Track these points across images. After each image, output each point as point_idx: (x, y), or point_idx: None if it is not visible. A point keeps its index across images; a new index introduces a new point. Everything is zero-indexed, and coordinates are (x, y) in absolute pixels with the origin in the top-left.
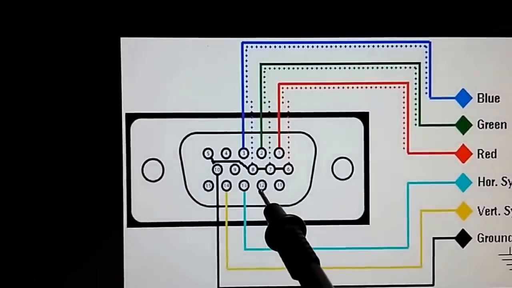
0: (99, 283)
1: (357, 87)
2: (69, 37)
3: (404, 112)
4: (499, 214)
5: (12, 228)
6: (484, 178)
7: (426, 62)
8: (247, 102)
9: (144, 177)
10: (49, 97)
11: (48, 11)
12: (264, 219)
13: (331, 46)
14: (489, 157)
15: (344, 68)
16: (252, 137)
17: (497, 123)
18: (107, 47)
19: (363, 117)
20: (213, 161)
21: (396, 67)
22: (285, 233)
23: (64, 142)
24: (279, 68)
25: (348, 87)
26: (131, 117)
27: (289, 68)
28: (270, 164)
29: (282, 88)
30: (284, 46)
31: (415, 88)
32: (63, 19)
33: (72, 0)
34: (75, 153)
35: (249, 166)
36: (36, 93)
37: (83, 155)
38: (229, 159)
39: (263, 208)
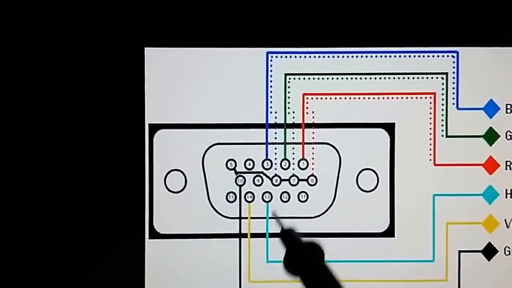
0: None
1: (383, 98)
2: (94, 47)
3: (430, 123)
4: None
5: (32, 240)
6: (511, 190)
7: (453, 73)
8: (271, 112)
9: (167, 188)
10: (73, 107)
11: (73, 21)
12: None
13: (356, 56)
14: None
15: (370, 78)
16: (276, 148)
17: None
18: (131, 57)
19: (389, 128)
20: (236, 172)
21: (423, 78)
22: (308, 261)
23: (87, 152)
24: (304, 79)
25: (373, 98)
26: (154, 128)
27: (314, 79)
28: (293, 175)
29: (307, 98)
30: (309, 56)
31: (442, 99)
32: (88, 30)
33: (97, 11)
34: (98, 164)
35: (273, 177)
36: (60, 103)
37: (106, 166)
38: (252, 170)
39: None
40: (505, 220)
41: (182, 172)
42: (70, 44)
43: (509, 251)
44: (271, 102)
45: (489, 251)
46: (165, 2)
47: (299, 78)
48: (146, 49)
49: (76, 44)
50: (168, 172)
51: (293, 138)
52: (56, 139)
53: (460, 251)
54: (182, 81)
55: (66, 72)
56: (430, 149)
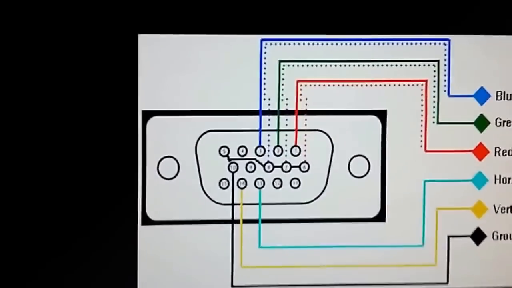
0: (112, 281)
1: (375, 85)
2: (87, 34)
3: (422, 110)
4: None
5: (25, 226)
6: (500, 176)
7: (445, 60)
8: (264, 99)
9: (160, 174)
10: (66, 94)
11: (66, 8)
12: (279, 216)
13: (349, 44)
14: (506, 155)
15: (363, 65)
16: (269, 135)
17: None
18: (124, 44)
19: (381, 115)
20: (229, 159)
21: (415, 65)
22: None
23: (79, 139)
24: (297, 66)
25: (366, 85)
26: (148, 115)
27: (307, 66)
28: (286, 162)
29: (301, 85)
30: (303, 44)
31: (434, 86)
32: (81, 16)
33: None
34: (91, 150)
35: (265, 164)
36: (53, 91)
37: (99, 152)
38: (245, 157)
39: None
40: (493, 205)
41: (175, 159)
42: (63, 31)
43: (497, 236)
44: (264, 89)
45: (478, 236)
46: None
47: (293, 65)
48: (139, 35)
49: (69, 30)
50: (161, 159)
51: (286, 125)
52: (48, 126)
53: (449, 236)
54: (175, 68)
55: (58, 59)
56: (421, 136)
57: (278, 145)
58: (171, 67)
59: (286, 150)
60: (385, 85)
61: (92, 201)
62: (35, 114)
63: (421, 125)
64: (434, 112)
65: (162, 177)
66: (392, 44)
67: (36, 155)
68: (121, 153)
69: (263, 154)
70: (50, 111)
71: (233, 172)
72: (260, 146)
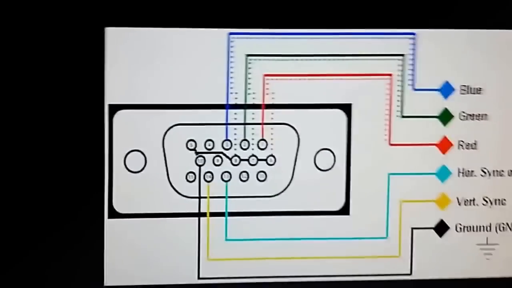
0: (79, 273)
1: (341, 79)
2: (54, 27)
3: (387, 104)
4: (477, 205)
5: None
6: (463, 169)
7: (410, 54)
8: (231, 93)
9: (127, 168)
10: (31, 88)
11: (33, 1)
12: (246, 209)
13: (316, 38)
14: (469, 148)
15: (329, 59)
16: (235, 129)
17: (478, 115)
18: (91, 37)
19: (346, 109)
20: (196, 153)
21: (380, 59)
22: None
23: (46, 132)
24: (264, 60)
25: (332, 79)
26: (114, 108)
27: (274, 60)
28: (253, 155)
29: (267, 79)
30: (271, 38)
31: (399, 80)
32: (47, 9)
33: None
34: (57, 144)
35: (232, 157)
36: (19, 84)
37: (65, 146)
38: (212, 150)
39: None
40: (457, 198)
41: (142, 153)
42: (29, 24)
43: (460, 228)
44: (232, 83)
45: (441, 228)
46: None
47: (260, 59)
48: (106, 28)
49: (35, 23)
50: (128, 153)
51: (253, 118)
52: (14, 120)
53: (413, 228)
54: (143, 62)
55: (24, 52)
56: (386, 129)
57: (245, 139)
58: (139, 60)
59: (252, 144)
60: (350, 79)
61: (59, 194)
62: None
63: (386, 119)
64: (398, 106)
65: (129, 170)
66: (358, 38)
67: (1, 148)
68: (88, 147)
69: (230, 148)
70: (15, 105)
71: (200, 166)
72: (227, 139)
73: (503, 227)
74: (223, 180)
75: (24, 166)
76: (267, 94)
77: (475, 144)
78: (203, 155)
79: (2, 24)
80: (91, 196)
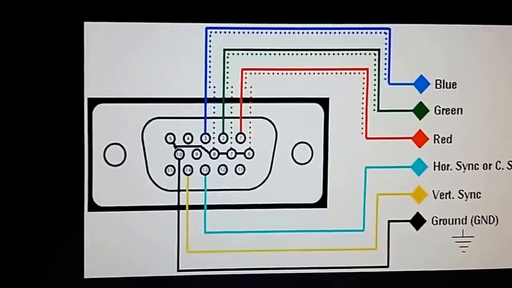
0: (59, 266)
1: (318, 73)
2: (32, 21)
3: (363, 98)
4: (453, 198)
5: None
6: (439, 162)
7: (385, 49)
8: (210, 87)
9: (106, 161)
10: (11, 82)
11: None
12: (224, 202)
13: (293, 33)
14: (444, 142)
15: (306, 54)
16: (214, 122)
17: (453, 109)
18: (70, 32)
19: (323, 102)
20: (175, 146)
21: (356, 54)
22: None
23: (25, 126)
24: (242, 54)
25: (309, 73)
26: (93, 102)
27: (252, 54)
28: (231, 149)
29: (245, 73)
30: (248, 32)
31: (375, 75)
32: (26, 4)
33: None
34: (36, 138)
35: (211, 151)
36: None
37: (45, 140)
38: (191, 144)
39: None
40: (433, 191)
41: (122, 146)
42: (7, 17)
43: (436, 221)
44: (210, 77)
45: (417, 221)
46: None
47: (238, 54)
48: (85, 23)
49: (14, 17)
50: (108, 146)
51: (231, 112)
52: None
53: (389, 221)
54: (121, 56)
55: (3, 46)
56: (362, 123)
57: (223, 132)
58: (117, 54)
59: (231, 137)
60: (327, 74)
61: (39, 187)
62: None
63: (362, 113)
64: (374, 100)
65: (109, 163)
66: (334, 33)
67: None
68: (67, 140)
69: (208, 141)
70: None
71: (179, 159)
72: (205, 133)
73: (479, 220)
74: (202, 173)
75: (3, 160)
76: (245, 88)
77: (450, 138)
78: (182, 148)
79: None
80: (71, 189)
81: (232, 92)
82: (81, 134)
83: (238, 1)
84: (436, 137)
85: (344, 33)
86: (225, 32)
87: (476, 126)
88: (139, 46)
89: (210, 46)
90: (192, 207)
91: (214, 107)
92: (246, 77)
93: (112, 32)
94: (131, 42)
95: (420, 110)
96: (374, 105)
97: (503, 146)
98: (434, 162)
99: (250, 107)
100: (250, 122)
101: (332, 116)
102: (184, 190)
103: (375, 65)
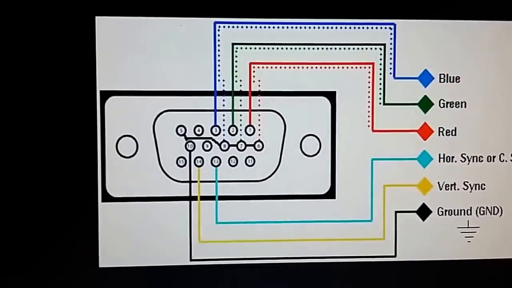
0: (74, 256)
1: (325, 67)
2: (46, 16)
3: (369, 92)
4: (457, 189)
5: None
6: (444, 155)
7: (391, 44)
8: (219, 81)
9: (119, 153)
10: (24, 76)
11: None
12: (235, 193)
13: (300, 28)
14: (449, 135)
15: (313, 48)
16: (224, 115)
17: (457, 103)
18: (82, 26)
19: (331, 96)
20: (186, 138)
21: (362, 48)
22: None
23: (39, 119)
24: (250, 48)
25: (316, 67)
26: (106, 95)
27: (260, 48)
28: (241, 141)
29: (253, 67)
30: (256, 27)
31: (380, 69)
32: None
33: None
34: (51, 130)
35: (221, 143)
36: (10, 72)
37: (58, 132)
38: (202, 136)
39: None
40: (438, 182)
41: (134, 138)
42: (20, 14)
43: (441, 212)
44: (219, 70)
45: (424, 212)
46: None
47: (246, 48)
48: (96, 17)
49: (27, 13)
50: (120, 138)
51: (241, 105)
52: (6, 108)
53: (396, 212)
54: (132, 50)
55: (17, 42)
56: (369, 116)
57: (233, 125)
58: (129, 48)
59: (240, 130)
60: (334, 68)
61: (54, 179)
62: None
63: (368, 106)
64: (380, 93)
65: (121, 155)
66: (341, 28)
67: None
68: (80, 133)
69: (218, 133)
70: (8, 93)
71: (190, 151)
72: (215, 125)
73: (483, 211)
74: (213, 165)
75: (18, 153)
76: (253, 81)
77: (454, 130)
78: (193, 140)
79: None
80: (85, 181)
81: (241, 85)
82: (94, 126)
83: None
84: (441, 130)
85: (350, 28)
86: (233, 27)
87: (480, 119)
88: (150, 40)
89: (219, 40)
90: (203, 198)
91: (223, 100)
92: (254, 71)
93: (123, 26)
94: (141, 36)
95: (425, 104)
96: (380, 98)
97: (506, 139)
98: (439, 154)
99: (259, 100)
100: (259, 115)
101: (339, 109)
102: (196, 181)
103: (380, 59)
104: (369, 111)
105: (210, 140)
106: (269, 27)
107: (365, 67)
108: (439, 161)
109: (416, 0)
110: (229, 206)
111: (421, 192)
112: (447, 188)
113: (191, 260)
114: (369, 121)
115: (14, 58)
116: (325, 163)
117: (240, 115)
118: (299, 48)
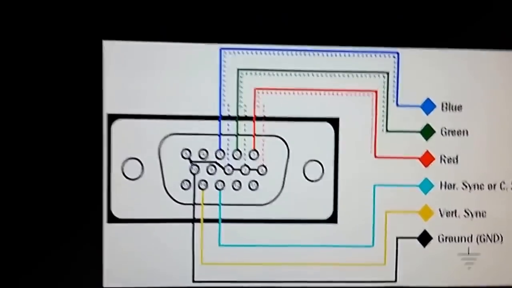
0: (79, 275)
1: (329, 94)
2: (53, 40)
3: (372, 119)
4: (458, 216)
5: None
6: (445, 182)
7: (394, 72)
8: (224, 105)
9: (124, 175)
10: (32, 98)
11: (31, 13)
12: (238, 217)
13: (305, 54)
14: (450, 162)
15: (317, 75)
16: (228, 139)
17: (459, 131)
18: (89, 50)
19: (334, 122)
20: (190, 161)
21: (366, 76)
22: None
23: (47, 141)
24: (255, 74)
25: (320, 94)
26: (112, 118)
27: (264, 74)
28: (245, 165)
29: (258, 92)
30: (261, 53)
31: (383, 96)
32: (47, 22)
33: (57, 3)
34: (58, 152)
35: (225, 166)
36: (19, 94)
37: (65, 154)
38: (206, 159)
39: (238, 208)
40: (439, 209)
41: (139, 160)
42: (29, 36)
43: (442, 238)
44: (224, 95)
45: (425, 238)
46: None
47: (251, 73)
48: (104, 41)
49: (35, 36)
50: (126, 160)
51: (245, 130)
52: (14, 129)
53: (397, 238)
54: (139, 74)
55: (25, 64)
56: (372, 143)
57: (237, 149)
58: (135, 73)
59: (244, 154)
60: (338, 94)
61: (60, 200)
62: (2, 116)
63: (371, 133)
64: (383, 120)
65: (127, 177)
66: (345, 55)
67: (4, 156)
68: (87, 155)
69: (223, 157)
70: (17, 113)
71: (194, 174)
72: (220, 149)
73: (484, 238)
74: (216, 188)
75: (26, 173)
76: (257, 106)
77: (456, 158)
78: (197, 164)
79: (5, 35)
80: (91, 202)
81: (245, 110)
82: (100, 148)
83: (252, 22)
84: (443, 157)
85: (354, 55)
86: (238, 53)
87: (481, 147)
88: (156, 64)
89: (224, 66)
90: (207, 220)
91: (228, 125)
92: (258, 96)
93: (130, 50)
94: (148, 60)
95: (427, 131)
96: (383, 125)
97: (507, 167)
98: (441, 182)
99: (263, 125)
100: (263, 140)
101: (342, 135)
102: (199, 204)
103: (384, 87)
104: (372, 138)
105: (215, 164)
106: (273, 54)
107: (368, 94)
108: (441, 188)
109: (420, 29)
110: (232, 229)
111: (422, 219)
112: (448, 215)
113: (193, 281)
114: (371, 148)
115: (23, 81)
116: (328, 188)
117: (244, 139)
118: (303, 75)
